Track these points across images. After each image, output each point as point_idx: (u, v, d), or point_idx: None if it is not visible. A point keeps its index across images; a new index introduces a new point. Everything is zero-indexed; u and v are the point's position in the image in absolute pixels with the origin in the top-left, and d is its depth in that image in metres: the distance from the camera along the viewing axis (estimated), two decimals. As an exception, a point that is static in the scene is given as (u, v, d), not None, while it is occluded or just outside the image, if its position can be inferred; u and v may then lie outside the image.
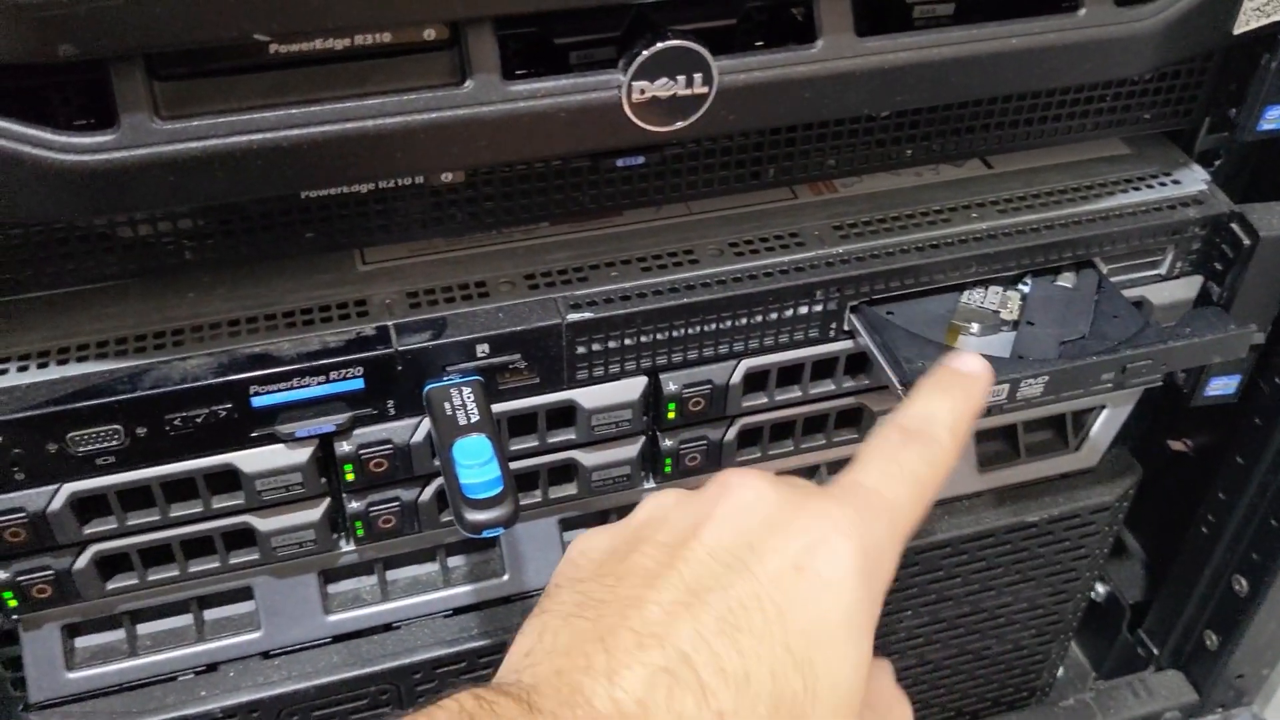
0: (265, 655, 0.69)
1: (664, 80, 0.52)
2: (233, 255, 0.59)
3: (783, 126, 0.62)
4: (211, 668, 0.68)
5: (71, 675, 0.66)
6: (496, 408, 0.63)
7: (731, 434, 0.69)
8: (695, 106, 0.54)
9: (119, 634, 0.67)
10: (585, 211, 0.63)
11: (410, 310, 0.62)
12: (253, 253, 0.59)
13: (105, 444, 0.58)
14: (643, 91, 0.52)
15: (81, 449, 0.57)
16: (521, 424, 0.65)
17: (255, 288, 0.63)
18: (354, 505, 0.64)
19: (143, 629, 0.67)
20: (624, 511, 0.72)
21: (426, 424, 0.62)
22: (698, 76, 0.53)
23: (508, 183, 0.60)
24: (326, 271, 0.64)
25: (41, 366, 0.58)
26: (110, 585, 0.63)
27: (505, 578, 0.71)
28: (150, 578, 0.64)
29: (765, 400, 0.69)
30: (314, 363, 0.59)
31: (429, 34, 0.50)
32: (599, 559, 0.46)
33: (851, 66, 0.55)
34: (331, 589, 0.69)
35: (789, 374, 0.69)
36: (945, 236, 0.68)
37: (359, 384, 0.60)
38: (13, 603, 0.62)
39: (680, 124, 0.54)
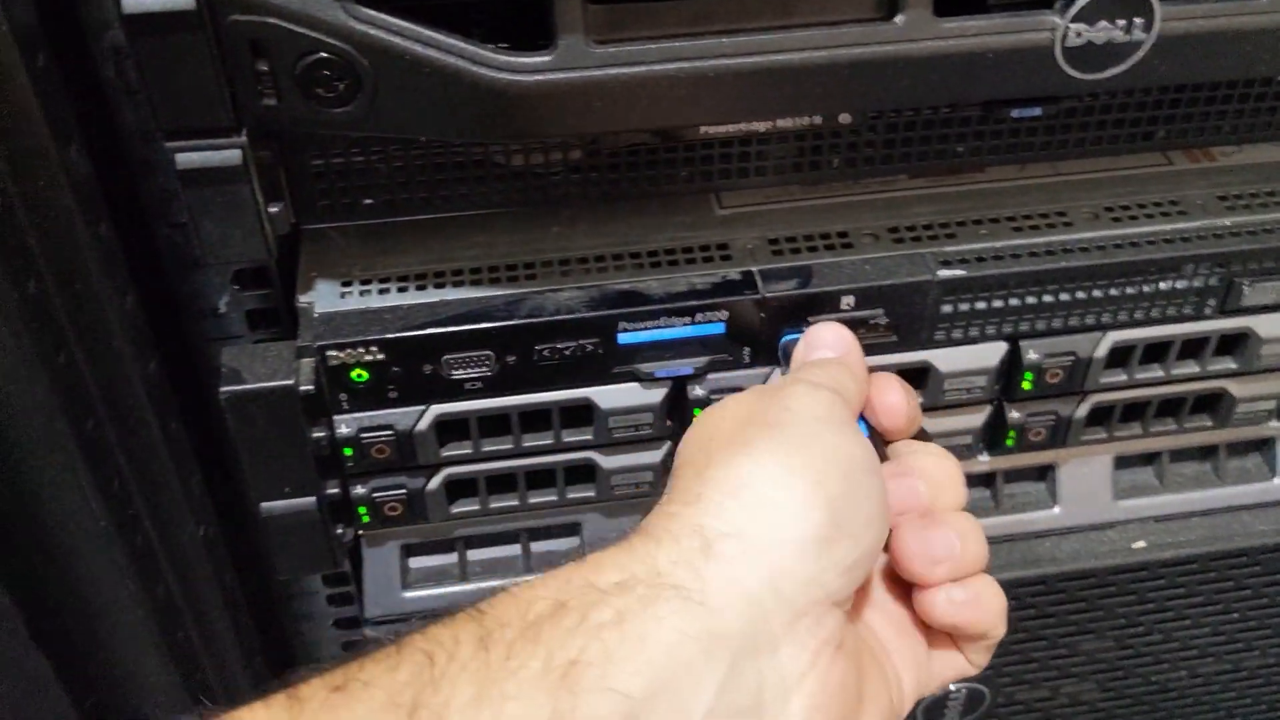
0: (588, 593, 0.69)
1: (1103, 23, 0.49)
2: (609, 190, 0.58)
3: (1194, 84, 0.58)
4: (536, 600, 0.69)
5: (406, 594, 0.67)
6: (847, 363, 0.62)
7: (1083, 410, 0.66)
8: (1129, 54, 0.50)
9: (451, 557, 0.68)
10: (967, 163, 0.60)
11: (773, 257, 0.60)
12: (629, 188, 0.58)
13: (476, 369, 0.58)
14: (1079, 34, 0.49)
15: (454, 372, 0.58)
16: (868, 382, 0.63)
17: (616, 226, 0.63)
18: (695, 451, 0.64)
19: (473, 555, 0.68)
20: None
21: (777, 374, 0.61)
22: (1139, 21, 0.49)
23: (893, 129, 0.58)
24: (685, 214, 0.63)
25: (420, 288, 0.59)
26: (454, 509, 0.64)
27: (825, 539, 0.70)
28: (492, 505, 0.65)
29: (1124, 378, 0.65)
30: (681, 303, 0.58)
31: (860, -35, 0.48)
32: None
33: (1302, 19, 0.51)
34: (654, 533, 0.69)
35: (1152, 351, 0.65)
36: (1343, 215, 0.63)
37: (720, 328, 0.59)
38: (365, 518, 0.63)
39: (1110, 72, 0.51)
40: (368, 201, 0.56)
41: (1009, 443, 0.66)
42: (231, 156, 0.50)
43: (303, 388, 0.56)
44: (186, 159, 0.49)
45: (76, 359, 0.48)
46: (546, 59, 0.47)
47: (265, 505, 0.59)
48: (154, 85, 0.47)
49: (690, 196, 0.64)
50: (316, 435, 0.58)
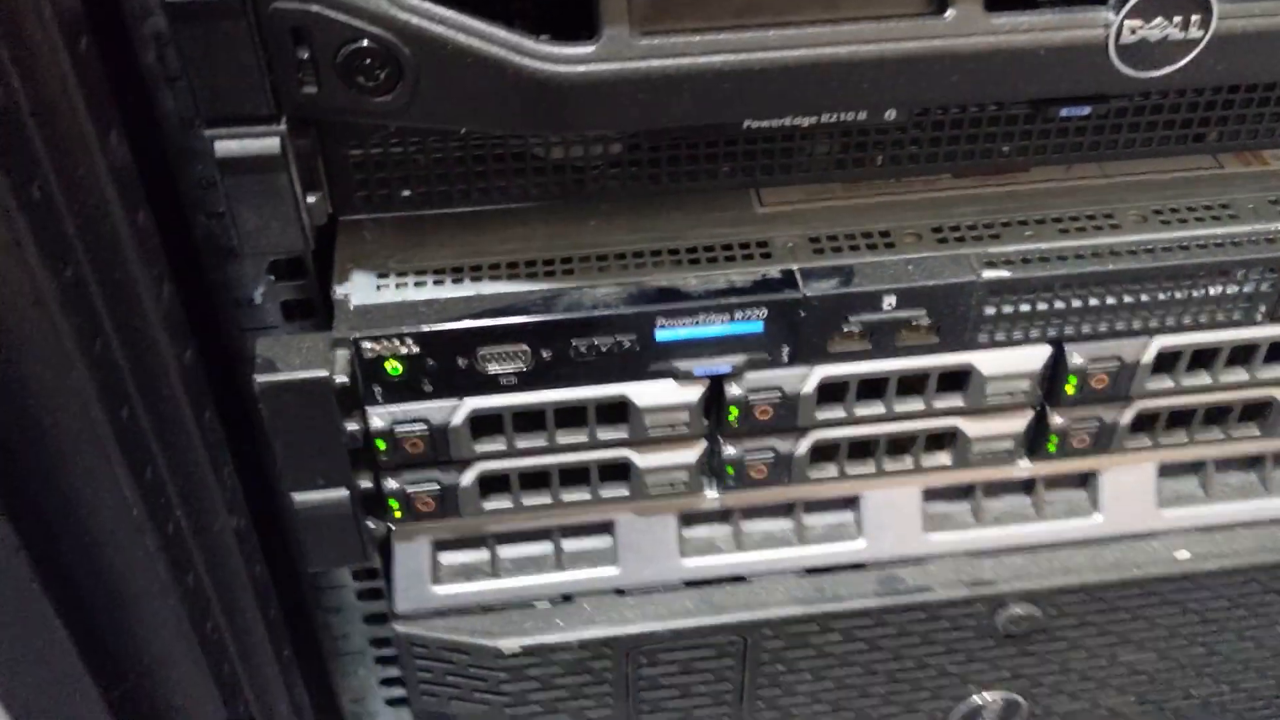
0: (619, 592, 0.68)
1: (1159, 20, 0.48)
2: (649, 185, 0.57)
3: (1248, 85, 0.56)
4: (567, 598, 0.68)
5: (437, 589, 0.67)
6: (888, 365, 0.61)
7: (1128, 417, 0.65)
8: (1184, 52, 0.49)
9: (483, 554, 0.67)
10: (1012, 164, 0.59)
11: (814, 255, 0.60)
12: (670, 184, 0.57)
13: (511, 364, 0.58)
14: (1133, 31, 0.48)
15: (489, 367, 0.58)
16: (907, 383, 0.62)
17: (654, 221, 0.62)
18: (730, 450, 0.63)
19: (504, 552, 0.68)
20: (990, 489, 0.69)
21: (818, 374, 0.60)
22: (1195, 18, 0.48)
23: (938, 127, 0.57)
24: (724, 210, 0.63)
25: (456, 282, 0.58)
26: (487, 505, 0.64)
27: (861, 542, 0.69)
28: (524, 501, 0.64)
29: (1170, 384, 0.64)
30: (720, 300, 0.57)
31: (910, -41, 0.47)
32: None
33: (1365, 17, 0.49)
34: (687, 533, 0.68)
35: (1199, 357, 0.63)
36: (1400, 220, 0.61)
37: (759, 326, 0.58)
38: (397, 513, 0.63)
39: (1164, 70, 0.50)
40: (405, 193, 0.56)
41: (1051, 448, 0.65)
42: (270, 145, 0.49)
43: (337, 379, 0.55)
44: (225, 147, 0.49)
45: (112, 346, 0.47)
46: (590, 50, 0.46)
47: (297, 496, 0.59)
48: (194, 72, 0.47)
49: (730, 193, 0.63)
50: (350, 427, 0.57)
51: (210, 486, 0.56)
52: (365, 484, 0.61)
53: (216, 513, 0.57)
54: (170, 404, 0.52)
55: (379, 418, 0.59)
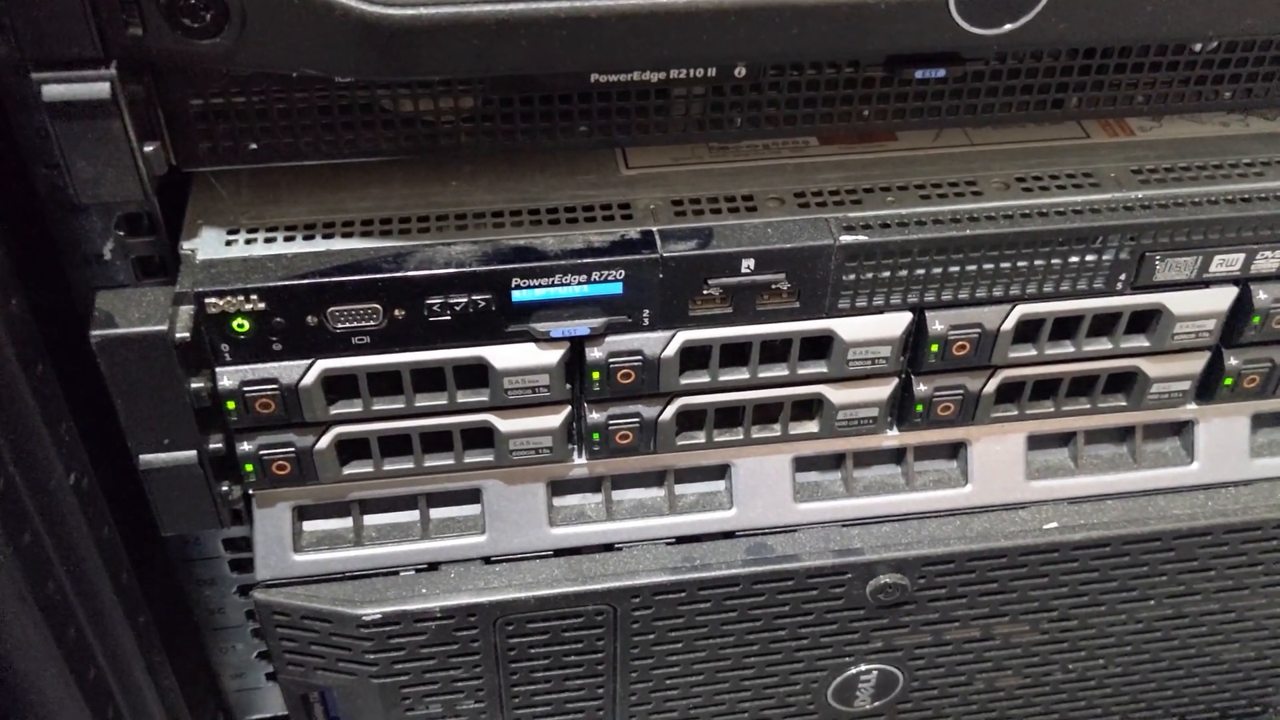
0: (487, 560, 0.67)
1: (998, -24, 0.48)
2: (504, 142, 0.56)
3: (1100, 49, 0.57)
4: (433, 567, 0.67)
5: (298, 557, 0.66)
6: (750, 330, 0.61)
7: (992, 386, 0.65)
8: (1027, 8, 0.49)
9: (346, 522, 0.66)
10: (869, 126, 0.59)
11: (675, 218, 0.59)
12: (526, 141, 0.56)
13: (363, 323, 0.57)
14: (973, -13, 0.48)
15: (340, 325, 0.57)
16: (772, 350, 0.62)
17: (518, 182, 0.61)
18: (595, 416, 0.62)
19: (369, 520, 0.67)
20: (861, 457, 0.69)
21: (679, 338, 0.60)
22: (1034, -25, 0.48)
23: (795, 87, 0.56)
24: (589, 172, 0.62)
25: (308, 239, 0.57)
26: (346, 470, 0.63)
27: (732, 511, 0.68)
28: (386, 467, 0.63)
29: (1033, 353, 0.64)
30: (577, 260, 0.57)
31: (750, -90, 0.47)
32: None
33: (1204, -21, 0.50)
34: (557, 502, 0.68)
35: (1062, 326, 0.64)
36: (1258, 191, 0.62)
37: (617, 288, 0.58)
38: (252, 476, 0.62)
39: (1007, 27, 0.50)
40: (252, 145, 0.54)
41: (917, 417, 0.65)
42: (100, 89, 0.48)
43: (178, 335, 0.54)
44: (54, 91, 0.48)
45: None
46: (420, -8, 0.45)
47: (144, 457, 0.58)
48: (17, 12, 0.46)
49: (595, 156, 0.63)
50: (196, 386, 0.56)
51: (45, 443, 0.55)
52: (216, 445, 0.59)
53: (53, 469, 0.56)
54: (-6, 355, 0.50)
55: (227, 377, 0.57)
